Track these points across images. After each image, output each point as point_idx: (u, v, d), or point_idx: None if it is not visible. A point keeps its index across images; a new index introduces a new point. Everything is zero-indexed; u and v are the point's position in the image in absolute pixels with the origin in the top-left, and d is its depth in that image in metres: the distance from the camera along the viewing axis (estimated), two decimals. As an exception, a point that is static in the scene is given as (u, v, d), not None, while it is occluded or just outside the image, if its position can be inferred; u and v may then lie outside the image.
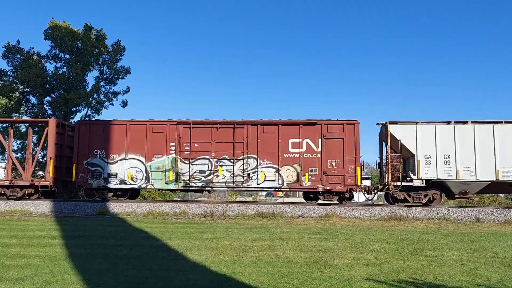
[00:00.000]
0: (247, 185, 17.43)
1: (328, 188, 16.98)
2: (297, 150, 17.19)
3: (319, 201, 17.43)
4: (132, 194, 19.06)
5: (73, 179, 17.97)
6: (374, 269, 7.65)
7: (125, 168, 17.76)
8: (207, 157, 17.54)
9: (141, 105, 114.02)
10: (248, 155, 17.37)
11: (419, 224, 14.27)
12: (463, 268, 7.75)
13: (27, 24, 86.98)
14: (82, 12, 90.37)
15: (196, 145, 17.58)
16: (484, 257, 8.76)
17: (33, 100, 30.30)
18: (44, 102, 29.94)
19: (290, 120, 17.47)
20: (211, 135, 17.58)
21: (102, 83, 31.21)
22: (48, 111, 29.70)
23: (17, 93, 29.35)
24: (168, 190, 18.38)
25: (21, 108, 30.42)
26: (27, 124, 22.45)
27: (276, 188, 17.53)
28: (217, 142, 17.53)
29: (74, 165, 17.95)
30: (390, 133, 16.93)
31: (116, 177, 17.79)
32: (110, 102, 31.59)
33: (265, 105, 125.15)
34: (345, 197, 17.53)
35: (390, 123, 17.04)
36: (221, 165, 17.45)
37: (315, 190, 17.20)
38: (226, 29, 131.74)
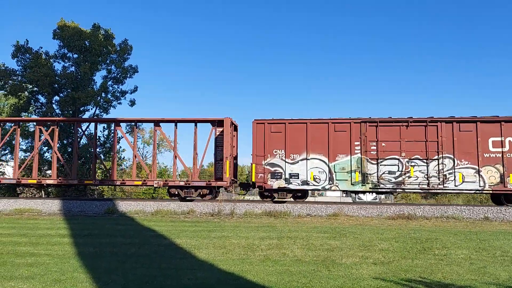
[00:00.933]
0: (444, 187, 16.42)
1: None
2: (499, 150, 16.22)
3: None
4: (304, 195, 18.54)
5: (253, 180, 17.49)
6: (382, 267, 7.63)
7: (306, 169, 17.12)
8: (396, 157, 16.70)
9: (148, 104, 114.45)
10: (444, 155, 16.44)
11: (427, 223, 14.19)
12: (472, 267, 7.70)
13: (36, 24, 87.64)
14: (89, 12, 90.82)
15: (383, 144, 16.79)
16: (493, 255, 8.69)
17: (42, 99, 30.60)
18: (53, 101, 30.22)
19: (489, 117, 16.44)
20: (400, 133, 16.74)
21: (110, 82, 31.41)
22: (56, 110, 29.96)
23: (26, 92, 29.64)
24: (353, 191, 17.62)
25: (30, 108, 30.73)
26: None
27: (476, 190, 16.45)
28: (407, 141, 16.68)
29: (253, 165, 17.49)
30: None
31: (298, 178, 17.17)
32: (118, 101, 31.81)
33: (273, 105, 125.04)
34: None
35: None
36: (413, 166, 16.60)
37: None
38: (232, 30, 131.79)
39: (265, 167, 17.39)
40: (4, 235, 10.98)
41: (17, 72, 29.49)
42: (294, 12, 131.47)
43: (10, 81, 28.93)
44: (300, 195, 18.04)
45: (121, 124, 20.44)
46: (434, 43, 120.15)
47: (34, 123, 22.83)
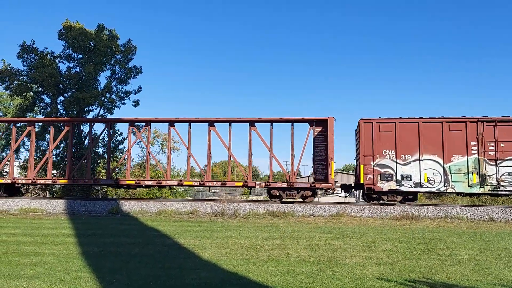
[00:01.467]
0: None
1: None
2: None
3: None
4: (415, 197, 17.86)
5: (361, 181, 16.90)
6: (386, 268, 7.61)
7: (419, 170, 16.50)
8: None
9: (151, 104, 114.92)
10: None
11: (431, 223, 14.15)
12: (476, 268, 7.67)
13: (37, 24, 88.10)
14: (90, 12, 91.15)
15: (502, 144, 16.15)
16: (498, 256, 8.65)
17: (47, 99, 30.75)
18: (57, 101, 30.35)
19: None
20: None
21: (114, 83, 31.53)
22: (61, 110, 30.09)
23: (31, 92, 29.79)
24: (471, 194, 16.82)
25: (35, 108, 30.88)
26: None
27: None
28: None
29: (362, 166, 16.95)
30: None
31: (410, 180, 16.54)
32: (122, 102, 31.92)
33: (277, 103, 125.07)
34: None
35: None
36: None
37: None
38: (234, 30, 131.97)
39: (374, 168, 16.80)
40: (9, 235, 11.04)
41: (23, 72, 29.65)
42: (294, 12, 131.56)
43: (15, 81, 29.09)
44: (411, 198, 17.41)
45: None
46: (434, 43, 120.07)
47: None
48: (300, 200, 17.86)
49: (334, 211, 15.91)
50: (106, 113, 31.34)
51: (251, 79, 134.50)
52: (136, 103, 31.93)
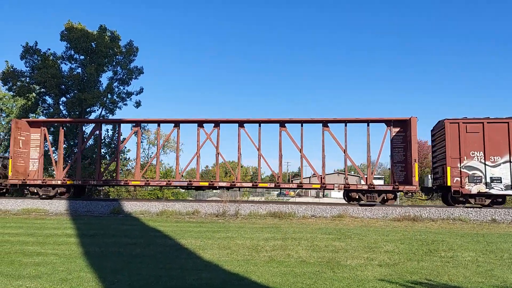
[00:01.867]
0: None
1: None
2: None
3: None
4: (504, 200, 17.21)
5: (448, 183, 16.31)
6: (387, 269, 7.60)
7: (510, 172, 16.01)
8: None
9: (152, 104, 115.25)
10: None
11: (433, 224, 14.13)
12: (479, 269, 7.65)
13: (42, 25, 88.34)
14: (89, 11, 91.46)
15: None
16: (501, 258, 8.63)
17: (49, 100, 30.84)
18: (60, 102, 30.44)
19: None
20: None
21: (115, 84, 31.61)
22: (63, 111, 30.17)
23: (33, 93, 29.87)
24: None
25: (38, 109, 30.96)
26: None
27: None
28: None
29: (448, 168, 16.35)
30: None
31: (500, 182, 16.01)
32: (124, 103, 31.99)
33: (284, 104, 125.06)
34: None
35: None
36: None
37: None
38: (237, 30, 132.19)
39: (462, 170, 16.26)
40: (12, 235, 11.07)
41: (25, 74, 29.74)
42: (294, 12, 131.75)
43: (18, 83, 29.18)
44: (500, 201, 16.83)
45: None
46: (434, 43, 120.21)
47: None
48: (379, 203, 17.29)
49: (336, 212, 15.90)
50: (108, 114, 31.44)
51: (251, 79, 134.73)
52: (138, 104, 32.02)
